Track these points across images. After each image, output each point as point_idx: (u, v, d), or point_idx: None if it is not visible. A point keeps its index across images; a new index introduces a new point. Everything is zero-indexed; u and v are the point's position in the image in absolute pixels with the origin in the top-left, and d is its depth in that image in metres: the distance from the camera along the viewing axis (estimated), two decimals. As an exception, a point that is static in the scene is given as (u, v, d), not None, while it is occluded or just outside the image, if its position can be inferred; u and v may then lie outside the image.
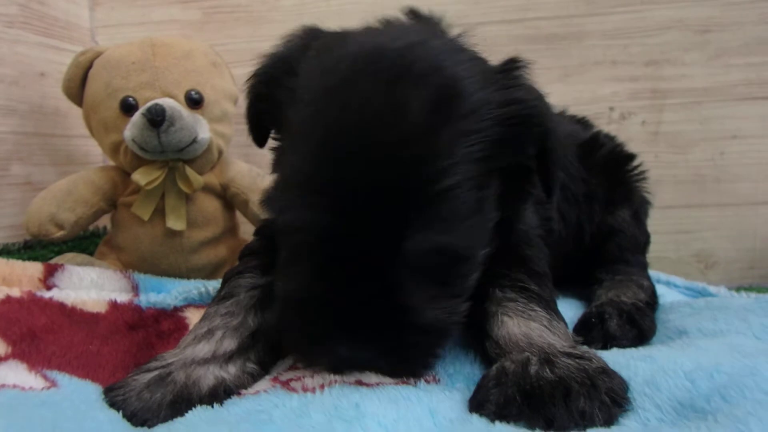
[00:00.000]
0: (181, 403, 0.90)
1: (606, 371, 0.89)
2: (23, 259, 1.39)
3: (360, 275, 0.87)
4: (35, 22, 2.06)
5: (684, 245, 2.10)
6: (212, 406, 0.89)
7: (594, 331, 1.22)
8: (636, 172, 1.63)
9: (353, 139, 0.85)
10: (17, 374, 0.94)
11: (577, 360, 0.90)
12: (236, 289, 1.09)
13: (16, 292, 1.15)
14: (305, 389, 0.90)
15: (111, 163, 1.88)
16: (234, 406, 0.88)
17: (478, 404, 0.87)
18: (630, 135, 2.00)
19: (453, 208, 0.87)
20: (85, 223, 1.80)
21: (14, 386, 0.90)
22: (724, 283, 1.79)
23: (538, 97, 1.00)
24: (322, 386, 0.90)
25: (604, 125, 2.04)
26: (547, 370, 0.88)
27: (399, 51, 0.91)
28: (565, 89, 2.08)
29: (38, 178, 2.01)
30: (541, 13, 2.11)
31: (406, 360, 0.94)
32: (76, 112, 1.99)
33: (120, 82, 1.72)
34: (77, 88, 1.81)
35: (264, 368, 1.05)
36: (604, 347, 1.16)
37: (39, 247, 1.89)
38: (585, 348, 0.97)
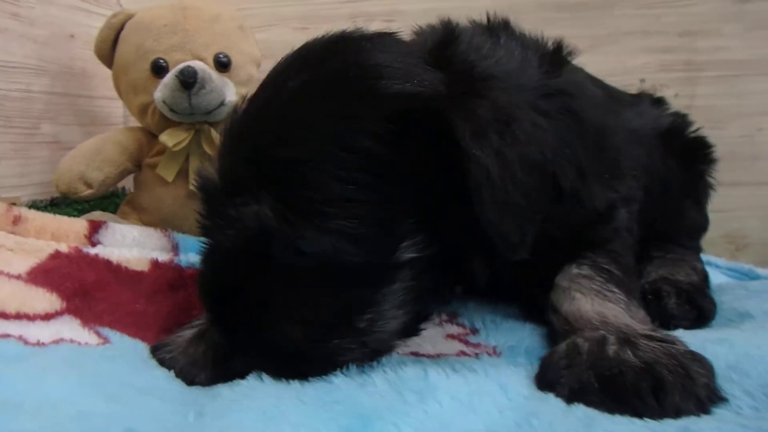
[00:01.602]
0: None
1: (695, 357, 0.79)
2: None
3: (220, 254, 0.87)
4: (66, -16, 2.06)
5: (714, 225, 2.05)
6: None
7: (650, 308, 1.09)
8: (709, 159, 1.57)
9: (237, 112, 0.90)
10: (72, 329, 0.96)
11: (661, 343, 0.81)
12: None
13: (64, 248, 1.16)
14: None
15: (135, 124, 1.89)
16: None
17: (547, 384, 0.81)
18: None
19: (295, 186, 0.80)
20: (112, 183, 1.81)
21: (71, 341, 0.92)
22: (754, 265, 1.71)
23: (437, 105, 0.82)
24: None
25: (636, 98, 2.01)
26: (629, 352, 0.79)
27: (312, 46, 0.93)
28: (593, 60, 2.00)
29: (66, 138, 2.02)
30: (571, -21, 2.05)
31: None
32: (102, 73, 2.00)
33: (151, 44, 1.72)
34: (109, 49, 1.81)
35: None
36: (662, 326, 1.06)
37: (64, 205, 1.90)
38: (666, 332, 0.88)
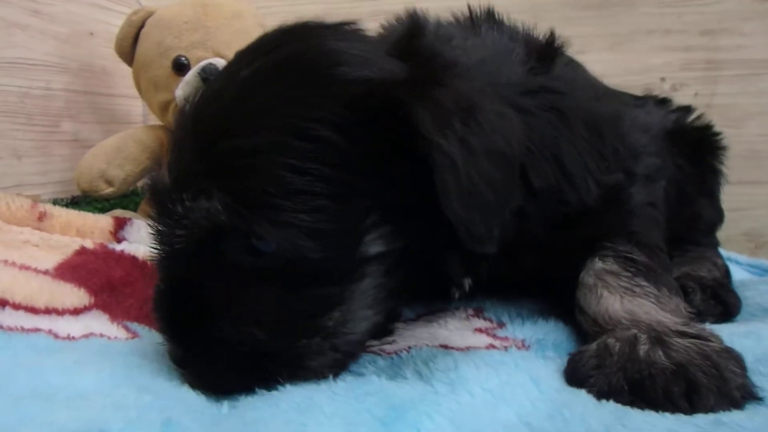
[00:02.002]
0: None
1: (730, 354, 0.77)
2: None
3: (174, 255, 0.81)
4: (85, -19, 2.08)
5: (734, 223, 2.03)
6: None
7: None
8: (717, 147, 1.53)
9: (187, 105, 0.85)
10: (101, 324, 0.96)
11: (694, 340, 0.78)
12: None
13: (89, 244, 1.17)
14: (387, 352, 0.91)
15: (152, 122, 1.90)
16: None
17: (576, 382, 0.79)
18: None
19: (246, 177, 0.74)
20: (133, 181, 1.82)
21: (101, 335, 0.93)
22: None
23: (398, 95, 0.76)
24: (408, 348, 0.90)
25: (656, 96, 2.00)
26: (660, 352, 0.76)
27: (270, 34, 0.88)
28: (614, 58, 2.03)
29: (85, 136, 2.04)
30: (593, -22, 2.05)
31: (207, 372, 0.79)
32: (121, 71, 2.02)
33: (172, 41, 1.74)
34: (129, 47, 1.84)
35: None
36: None
37: (84, 203, 1.91)
38: (700, 325, 0.85)
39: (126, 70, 1.96)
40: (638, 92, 1.80)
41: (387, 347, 0.94)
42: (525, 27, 1.11)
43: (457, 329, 1.01)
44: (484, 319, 1.08)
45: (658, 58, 2.05)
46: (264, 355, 0.78)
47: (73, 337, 0.91)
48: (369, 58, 0.82)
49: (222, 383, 0.78)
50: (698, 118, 1.54)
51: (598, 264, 0.96)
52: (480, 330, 1.02)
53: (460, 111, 0.76)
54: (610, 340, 0.82)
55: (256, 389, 0.77)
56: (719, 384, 0.72)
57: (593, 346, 0.83)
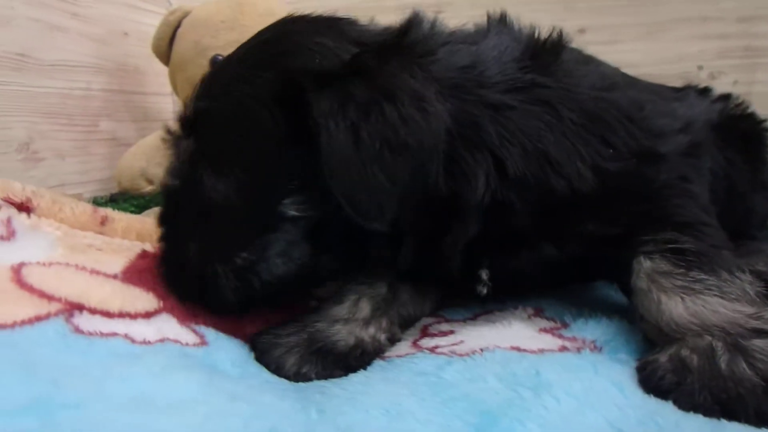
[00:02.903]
0: (326, 358, 0.95)
1: None
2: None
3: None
4: (118, -19, 2.09)
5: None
6: (364, 367, 0.94)
7: None
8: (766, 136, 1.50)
9: None
10: (172, 327, 0.97)
11: None
12: None
13: (149, 247, 1.18)
14: (460, 353, 0.92)
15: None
16: (394, 366, 0.92)
17: (654, 395, 0.79)
18: None
19: (203, 133, 0.97)
20: (172, 179, 1.83)
21: (175, 340, 0.93)
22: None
23: (294, 75, 0.91)
24: (480, 350, 0.92)
25: (693, 85, 1.99)
26: (744, 364, 0.76)
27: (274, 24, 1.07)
28: (649, 47, 2.02)
29: (122, 134, 2.06)
30: (628, -35, 2.04)
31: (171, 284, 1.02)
32: (153, 69, 2.03)
33: (209, 40, 1.74)
34: (166, 47, 1.85)
35: (396, 335, 1.07)
36: None
37: (122, 201, 1.93)
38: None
39: (158, 68, 1.98)
40: (675, 81, 1.79)
41: (458, 348, 0.96)
42: (531, 28, 1.12)
43: (522, 330, 1.02)
44: (546, 318, 1.08)
45: (694, 46, 2.03)
46: (192, 266, 0.98)
47: (149, 342, 0.92)
48: (323, 51, 0.93)
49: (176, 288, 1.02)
50: (739, 105, 1.51)
51: (647, 263, 0.93)
52: (545, 330, 1.03)
53: (367, 103, 0.84)
54: (685, 352, 0.81)
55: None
56: None
57: (664, 357, 0.82)
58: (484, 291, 1.06)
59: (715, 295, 0.86)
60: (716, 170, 1.32)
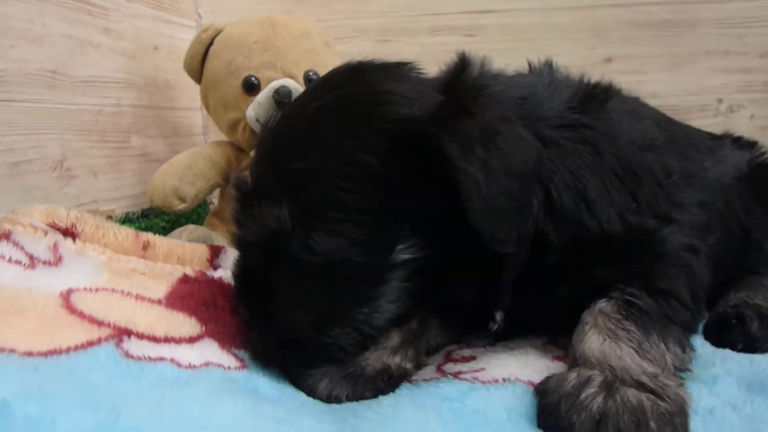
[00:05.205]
0: (356, 381, 0.99)
1: (671, 417, 0.80)
2: (141, 228, 1.43)
3: (249, 246, 1.02)
4: (149, -4, 2.13)
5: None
6: (393, 390, 1.00)
7: (734, 332, 1.19)
8: None
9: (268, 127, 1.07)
10: (213, 352, 1.00)
11: (647, 395, 0.82)
12: None
13: (190, 272, 1.21)
14: (482, 381, 0.98)
15: (212, 135, 1.93)
16: (421, 390, 0.97)
17: (536, 398, 0.89)
18: (736, 129, 1.88)
19: (306, 193, 0.94)
20: (203, 197, 1.87)
21: (218, 365, 0.97)
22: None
23: (424, 128, 0.92)
24: (503, 380, 0.97)
25: (711, 117, 2.02)
26: (600, 399, 0.81)
27: (338, 73, 1.07)
28: (673, 78, 2.05)
29: (152, 150, 2.09)
30: (655, -2, 2.07)
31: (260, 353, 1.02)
32: (182, 84, 2.06)
33: (242, 61, 1.76)
34: (198, 64, 1.86)
35: (422, 363, 1.12)
36: (746, 349, 1.16)
37: (153, 216, 1.97)
38: (672, 382, 0.87)
39: (187, 83, 2.00)
40: (696, 113, 1.82)
41: (480, 375, 1.01)
42: (579, 76, 1.21)
43: (538, 360, 1.07)
44: (558, 347, 1.14)
45: (716, 79, 2.06)
46: (302, 337, 0.97)
47: (194, 366, 0.95)
48: (414, 97, 0.96)
49: (271, 353, 1.00)
50: (764, 153, 1.56)
51: (601, 304, 1.01)
52: (558, 358, 1.08)
53: (483, 137, 0.91)
54: (571, 375, 0.88)
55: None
56: None
57: (553, 377, 0.90)
58: (495, 327, 1.13)
59: (632, 347, 0.92)
60: (733, 222, 1.38)
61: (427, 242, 0.96)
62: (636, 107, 1.29)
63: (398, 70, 1.05)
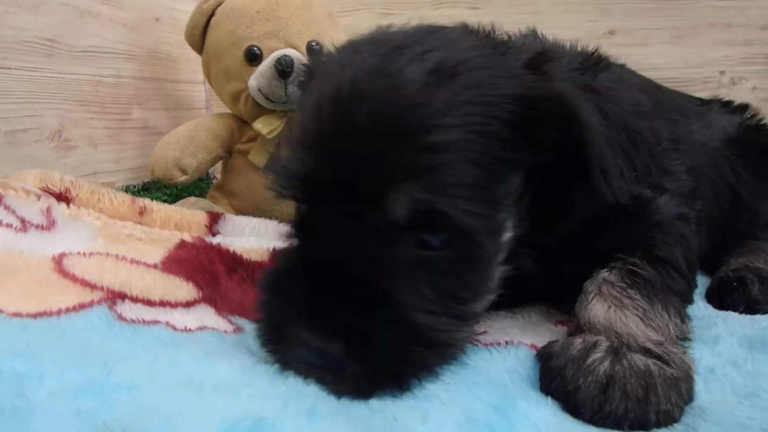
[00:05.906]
0: None
1: (678, 383, 0.80)
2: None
3: (338, 245, 0.81)
4: (150, -34, 2.11)
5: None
6: None
7: (735, 294, 1.22)
8: None
9: (341, 95, 0.83)
10: (210, 317, 1.00)
11: (654, 360, 0.82)
12: None
13: (188, 237, 1.21)
14: (484, 344, 0.98)
15: (214, 108, 1.92)
16: None
17: (539, 362, 0.88)
18: (738, 101, 1.93)
19: (442, 172, 0.80)
20: (205, 169, 1.85)
21: (214, 329, 0.96)
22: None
23: (565, 94, 0.88)
24: (505, 343, 0.98)
25: (713, 90, 1.99)
26: (607, 363, 0.81)
27: (408, 34, 0.92)
28: (674, 51, 2.03)
29: (154, 123, 2.08)
30: (658, -29, 2.05)
31: (378, 370, 0.78)
32: (185, 57, 2.04)
33: (244, 31, 1.74)
34: (200, 35, 1.84)
35: None
36: (747, 311, 1.18)
37: (154, 190, 1.96)
38: (677, 349, 0.87)
39: (190, 56, 1.99)
40: (698, 85, 1.81)
41: (482, 338, 1.00)
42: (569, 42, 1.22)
43: (541, 324, 1.09)
44: (562, 312, 1.13)
45: (718, 51, 2.06)
46: (431, 343, 0.82)
47: (190, 329, 0.95)
48: (507, 72, 0.89)
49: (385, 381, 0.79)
50: (754, 116, 1.57)
51: (603, 274, 1.00)
52: (561, 322, 1.09)
53: (603, 107, 0.99)
54: (577, 340, 0.87)
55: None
56: (637, 405, 0.77)
57: (559, 342, 0.89)
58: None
59: (637, 315, 0.92)
60: (722, 185, 1.40)
61: (519, 221, 0.93)
62: (623, 75, 1.29)
63: (472, 37, 1.00)
